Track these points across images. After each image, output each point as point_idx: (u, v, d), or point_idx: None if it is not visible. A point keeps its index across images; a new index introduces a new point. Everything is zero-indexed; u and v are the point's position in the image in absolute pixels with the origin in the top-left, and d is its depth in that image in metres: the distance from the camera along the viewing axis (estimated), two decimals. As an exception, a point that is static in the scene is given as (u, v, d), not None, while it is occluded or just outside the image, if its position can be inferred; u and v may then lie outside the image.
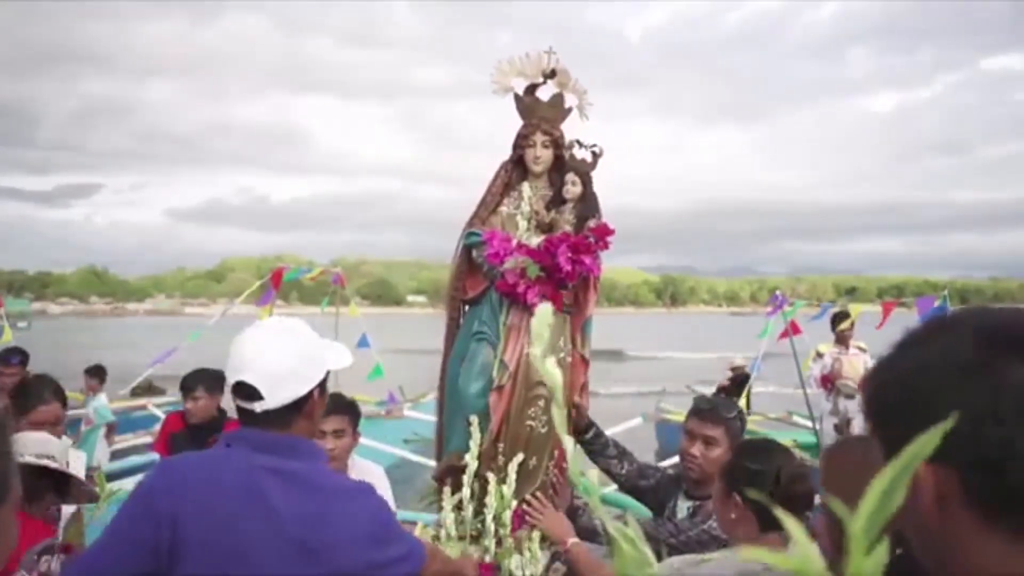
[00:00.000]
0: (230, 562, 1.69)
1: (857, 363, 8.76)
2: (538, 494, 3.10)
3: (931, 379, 0.86)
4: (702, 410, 2.89)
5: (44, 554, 2.42)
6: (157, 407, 11.01)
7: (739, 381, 11.54)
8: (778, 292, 10.72)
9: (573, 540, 2.82)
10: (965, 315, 0.91)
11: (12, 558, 2.03)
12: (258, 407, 1.76)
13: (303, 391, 1.80)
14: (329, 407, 3.59)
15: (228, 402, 5.43)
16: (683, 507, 2.92)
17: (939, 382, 0.86)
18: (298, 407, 1.80)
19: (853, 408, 8.65)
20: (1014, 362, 0.82)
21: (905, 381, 0.89)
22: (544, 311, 0.92)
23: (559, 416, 1.23)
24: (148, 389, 13.04)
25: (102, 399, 8.57)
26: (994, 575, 0.83)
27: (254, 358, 1.77)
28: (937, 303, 8.99)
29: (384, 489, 3.59)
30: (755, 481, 2.05)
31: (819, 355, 9.04)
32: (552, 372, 1.13)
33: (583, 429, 3.34)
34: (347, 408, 3.55)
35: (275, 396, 1.76)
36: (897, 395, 0.89)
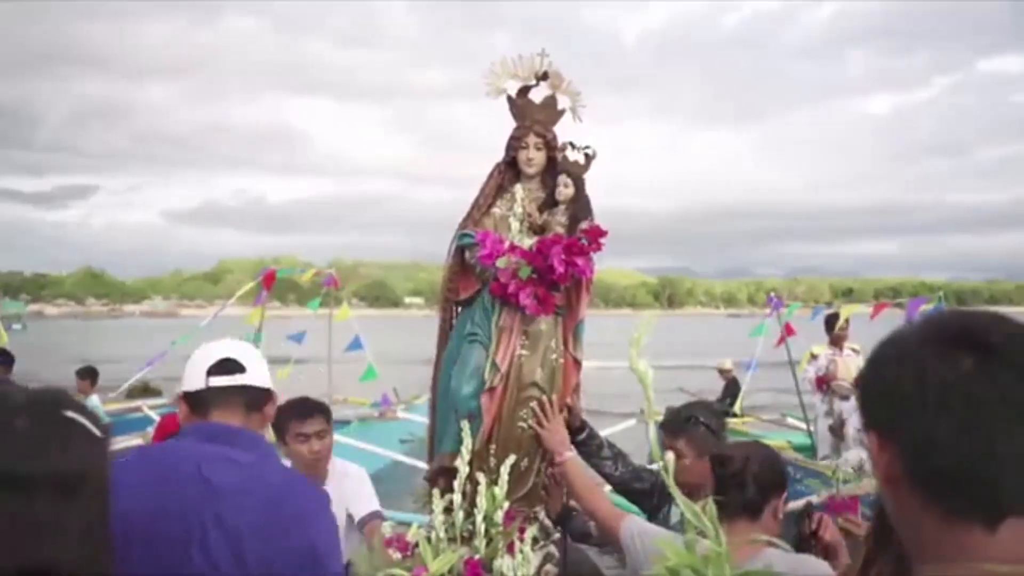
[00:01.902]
0: (176, 556, 1.69)
1: (851, 365, 8.77)
2: (554, 397, 3.19)
3: (885, 373, 0.97)
4: (662, 424, 3.03)
5: None
6: (152, 409, 10.99)
7: (731, 386, 11.51)
8: (773, 294, 10.74)
9: (570, 454, 2.95)
10: (926, 316, 1.00)
11: None
12: (240, 380, 1.87)
13: (269, 383, 1.94)
14: (308, 409, 3.60)
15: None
16: (676, 512, 2.92)
17: (890, 376, 0.96)
18: (261, 400, 1.92)
19: (848, 409, 8.66)
20: (942, 358, 0.92)
21: (872, 377, 1.00)
22: (649, 317, 1.03)
23: (649, 406, 1.37)
24: (144, 390, 13.02)
25: (94, 400, 8.55)
26: (931, 555, 0.92)
27: (232, 347, 1.93)
28: (932, 305, 9.01)
29: (365, 489, 3.60)
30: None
31: (814, 357, 9.06)
32: (643, 371, 1.28)
33: (576, 430, 3.34)
34: (325, 410, 3.61)
35: (255, 373, 1.89)
36: (867, 389, 1.00)
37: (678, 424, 2.96)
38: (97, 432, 1.21)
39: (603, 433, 3.49)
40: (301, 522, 1.81)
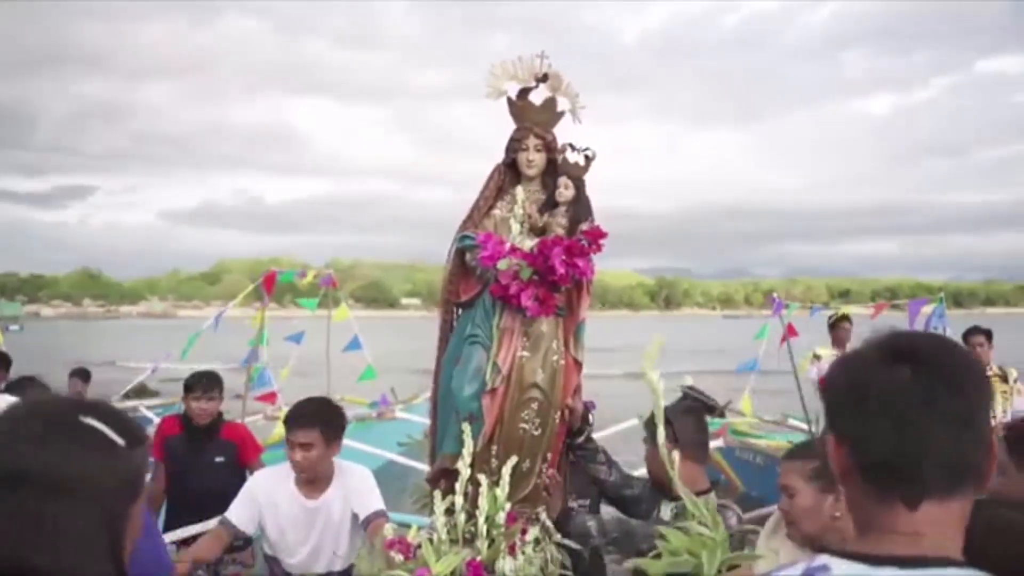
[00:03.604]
0: None
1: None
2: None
3: (841, 383, 1.19)
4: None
5: None
6: (148, 409, 10.97)
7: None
8: (775, 295, 10.74)
9: None
10: (877, 335, 1.21)
11: None
12: None
13: None
14: (296, 418, 3.56)
15: (224, 405, 5.43)
16: (666, 510, 3.02)
17: (844, 385, 1.18)
18: None
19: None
20: (885, 369, 1.12)
21: (832, 386, 1.20)
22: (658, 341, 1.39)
23: (659, 413, 2.40)
24: (141, 391, 13.01)
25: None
26: (866, 529, 1.14)
27: None
28: (933, 306, 9.03)
29: (368, 489, 3.60)
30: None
31: (816, 357, 9.06)
32: (655, 382, 2.32)
33: (576, 432, 3.37)
34: (315, 420, 3.50)
35: None
36: (828, 396, 1.20)
37: (648, 419, 3.12)
38: (119, 441, 1.22)
39: (604, 432, 3.51)
40: None
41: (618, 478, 3.33)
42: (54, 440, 1.17)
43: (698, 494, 2.91)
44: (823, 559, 1.11)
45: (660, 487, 3.10)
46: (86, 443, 1.19)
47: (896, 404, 1.10)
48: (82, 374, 8.84)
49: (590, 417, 4.06)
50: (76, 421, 1.20)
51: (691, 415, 3.13)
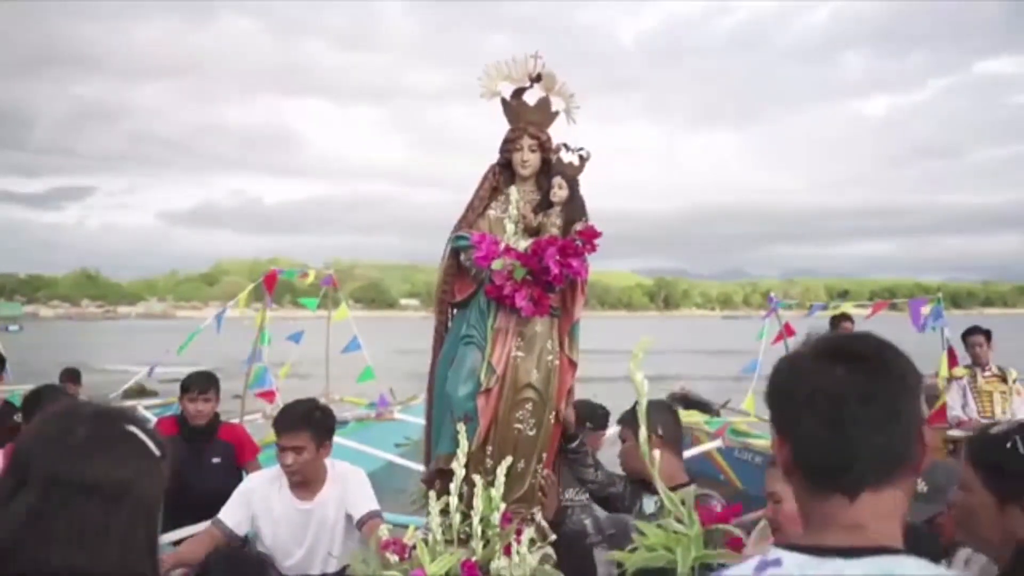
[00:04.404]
0: None
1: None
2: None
3: (779, 381, 1.21)
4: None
5: None
6: (147, 409, 10.93)
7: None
8: (773, 295, 10.74)
9: None
10: (817, 337, 1.23)
11: None
12: None
13: None
14: (284, 423, 3.52)
15: (223, 405, 5.41)
16: (649, 504, 3.16)
17: (780, 383, 1.20)
18: None
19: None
20: (818, 367, 1.15)
21: (771, 384, 1.22)
22: (646, 341, 1.39)
23: (642, 413, 2.25)
24: (140, 392, 12.99)
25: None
26: (809, 524, 1.16)
27: None
28: (931, 306, 9.01)
29: (363, 490, 3.59)
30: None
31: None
32: (640, 383, 2.17)
33: (569, 438, 3.40)
34: (305, 423, 3.48)
35: None
36: (768, 395, 1.23)
37: (624, 416, 3.31)
38: (155, 450, 1.27)
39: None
40: None
41: (603, 477, 3.43)
42: (103, 448, 1.21)
43: (679, 487, 2.95)
44: (777, 553, 1.14)
45: (640, 482, 3.19)
46: (131, 451, 1.24)
47: (829, 404, 1.12)
48: (73, 375, 8.81)
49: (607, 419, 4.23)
50: (122, 429, 1.25)
51: (671, 412, 3.32)
